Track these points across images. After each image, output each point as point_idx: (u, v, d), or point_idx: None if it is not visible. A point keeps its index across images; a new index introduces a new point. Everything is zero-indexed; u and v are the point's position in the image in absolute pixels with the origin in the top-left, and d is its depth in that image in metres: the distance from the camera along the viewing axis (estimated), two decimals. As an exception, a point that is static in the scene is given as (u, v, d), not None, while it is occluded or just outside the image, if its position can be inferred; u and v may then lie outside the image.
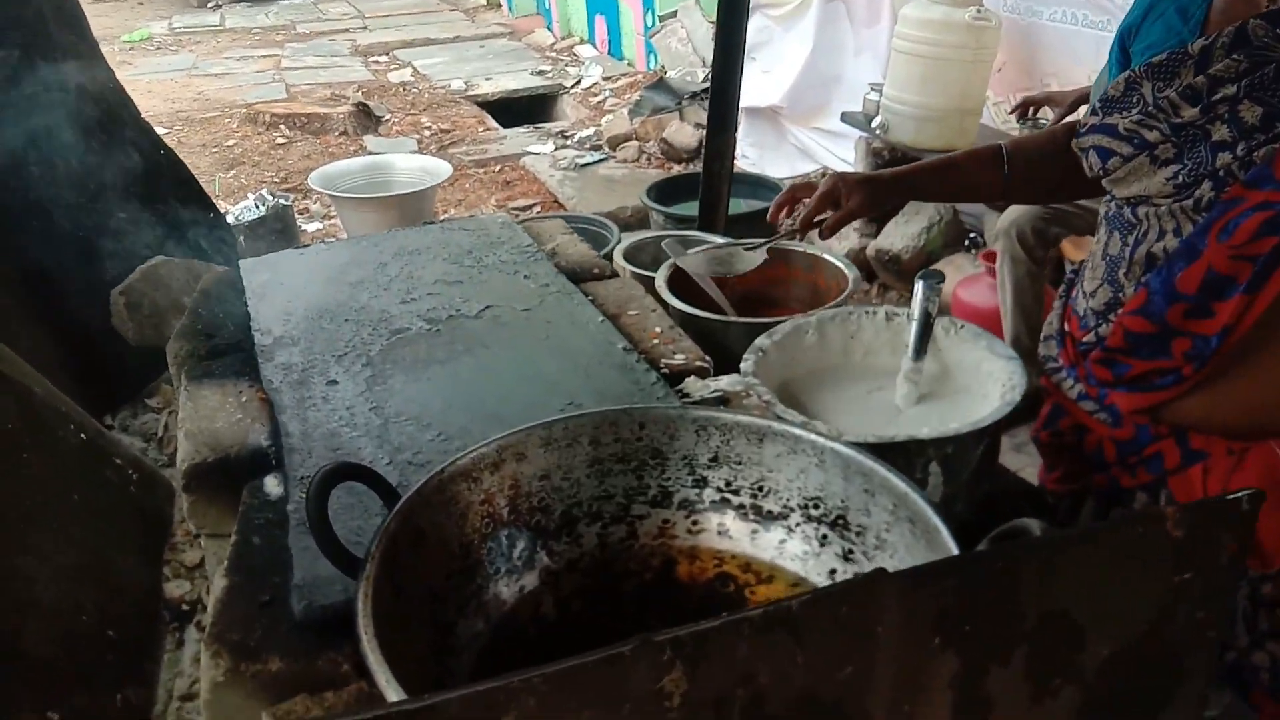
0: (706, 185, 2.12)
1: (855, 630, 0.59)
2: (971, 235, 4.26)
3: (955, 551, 0.79)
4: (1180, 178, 1.10)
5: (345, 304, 1.49)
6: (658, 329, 1.42)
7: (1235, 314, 1.08)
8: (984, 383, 1.36)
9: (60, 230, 1.66)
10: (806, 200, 1.43)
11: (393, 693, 0.67)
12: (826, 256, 1.66)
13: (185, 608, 1.26)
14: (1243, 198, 1.06)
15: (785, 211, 1.47)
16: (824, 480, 0.95)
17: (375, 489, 0.89)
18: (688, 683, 0.55)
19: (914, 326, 1.33)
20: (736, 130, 2.21)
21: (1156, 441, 1.20)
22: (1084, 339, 1.28)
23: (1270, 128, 1.04)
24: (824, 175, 1.45)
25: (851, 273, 1.60)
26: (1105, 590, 0.66)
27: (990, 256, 3.40)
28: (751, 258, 1.58)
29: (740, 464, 1.00)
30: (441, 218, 5.35)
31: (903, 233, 4.18)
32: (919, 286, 1.36)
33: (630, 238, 2.03)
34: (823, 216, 1.42)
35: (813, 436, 0.96)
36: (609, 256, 1.90)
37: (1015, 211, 3.10)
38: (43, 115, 1.67)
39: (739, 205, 4.17)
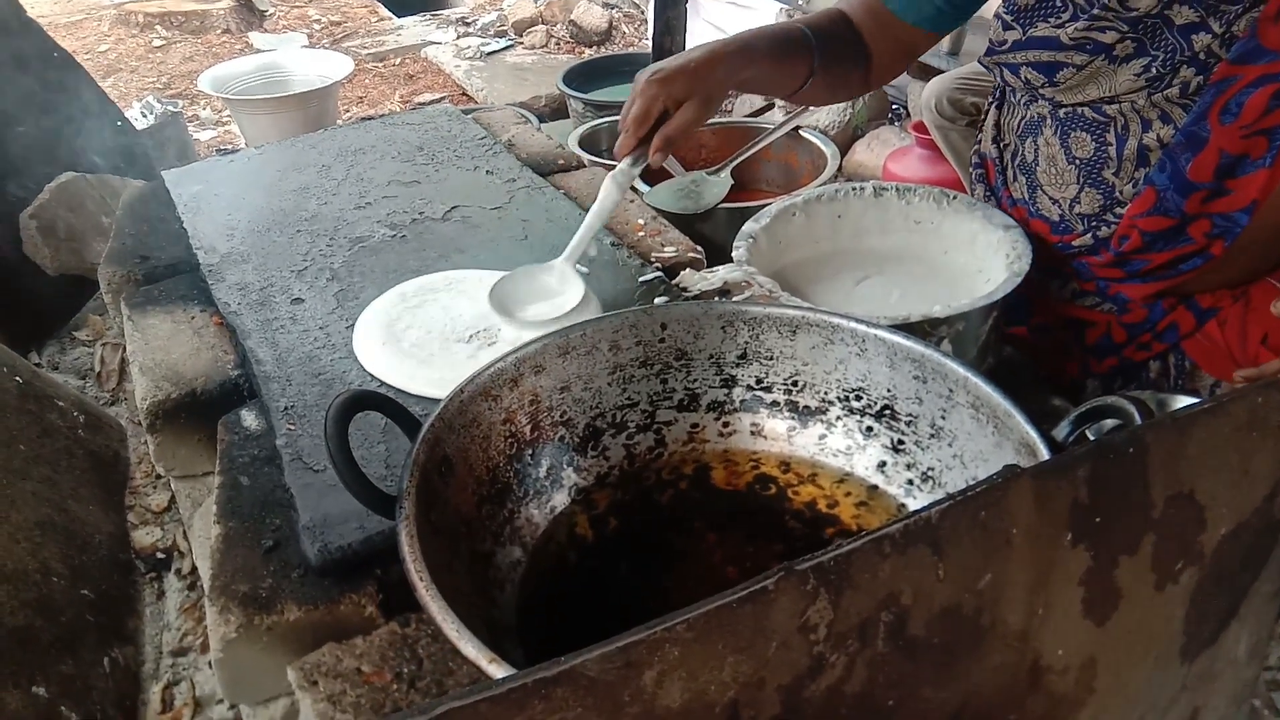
0: (659, 32, 1.99)
1: (993, 535, 0.54)
2: (895, 107, 4.20)
3: (1034, 434, 0.75)
4: (1153, 69, 1.03)
5: (293, 213, 1.36)
6: (640, 221, 1.33)
7: (1262, 188, 1.03)
8: (982, 255, 1.31)
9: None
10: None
11: (469, 646, 0.60)
12: (804, 134, 1.58)
13: (160, 555, 1.16)
14: (1237, 75, 1.00)
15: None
16: (866, 370, 0.90)
17: (392, 417, 0.80)
18: (833, 611, 0.49)
19: None
20: (687, 1, 2.08)
21: (1169, 313, 1.18)
22: (1075, 242, 1.22)
23: None
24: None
25: (830, 149, 1.52)
26: (1227, 466, 0.62)
27: (919, 127, 3.36)
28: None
29: (771, 359, 0.94)
30: (344, 117, 5.06)
31: (828, 108, 4.10)
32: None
33: (582, 126, 1.91)
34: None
35: (853, 324, 0.89)
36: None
37: (931, 87, 3.06)
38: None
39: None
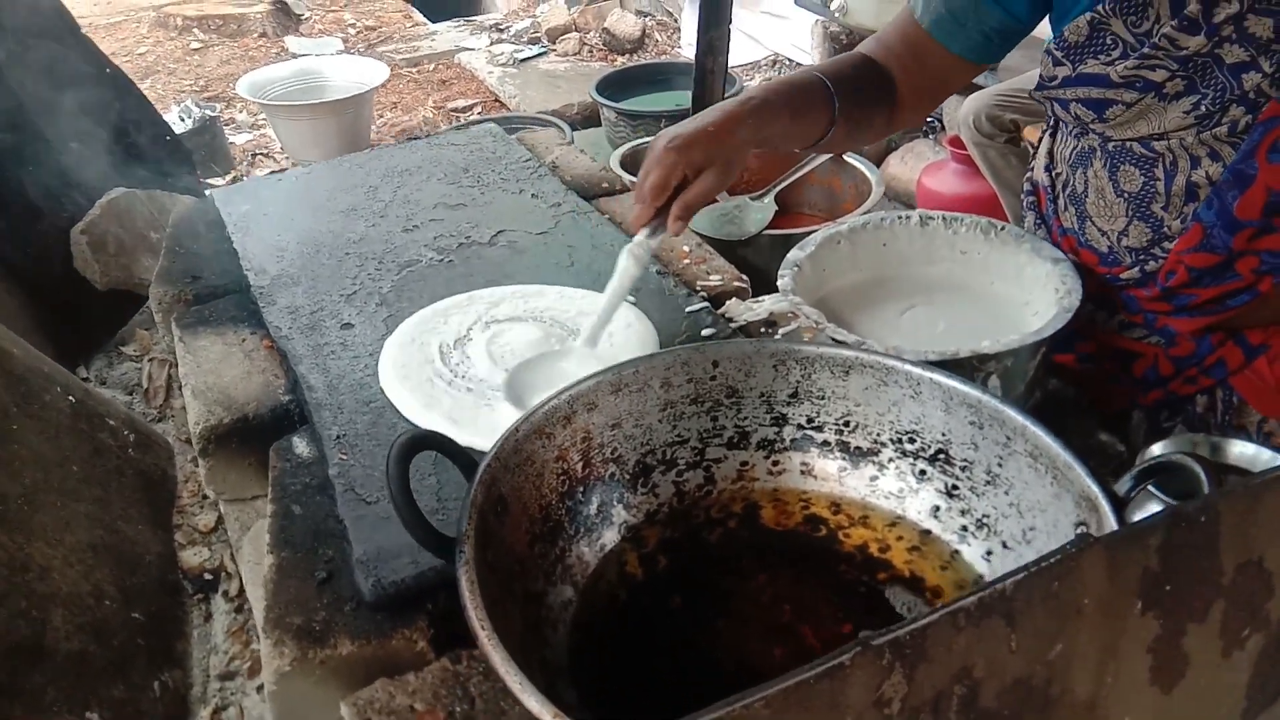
0: (699, 81, 2.00)
1: (1065, 605, 0.54)
2: (930, 120, 4.18)
3: (1096, 488, 0.74)
4: (1203, 108, 1.03)
5: (341, 235, 1.37)
6: (685, 248, 1.33)
7: None
8: (1029, 288, 1.30)
9: (7, 166, 1.49)
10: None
11: (533, 701, 0.60)
12: (848, 158, 1.57)
13: (207, 576, 1.17)
14: None
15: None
16: (920, 413, 0.89)
17: (449, 456, 0.81)
18: (907, 685, 0.49)
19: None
20: (730, 22, 2.08)
21: (1218, 349, 1.17)
22: (1123, 275, 1.21)
23: None
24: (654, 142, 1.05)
25: (874, 175, 1.52)
26: (1297, 534, 0.61)
27: (955, 142, 3.35)
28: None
29: (823, 399, 0.94)
30: (378, 122, 5.09)
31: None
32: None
33: (623, 146, 1.91)
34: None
35: (907, 367, 0.89)
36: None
37: (970, 103, 3.04)
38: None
39: (684, 98, 4.03)
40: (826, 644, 0.80)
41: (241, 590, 1.14)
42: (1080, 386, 1.35)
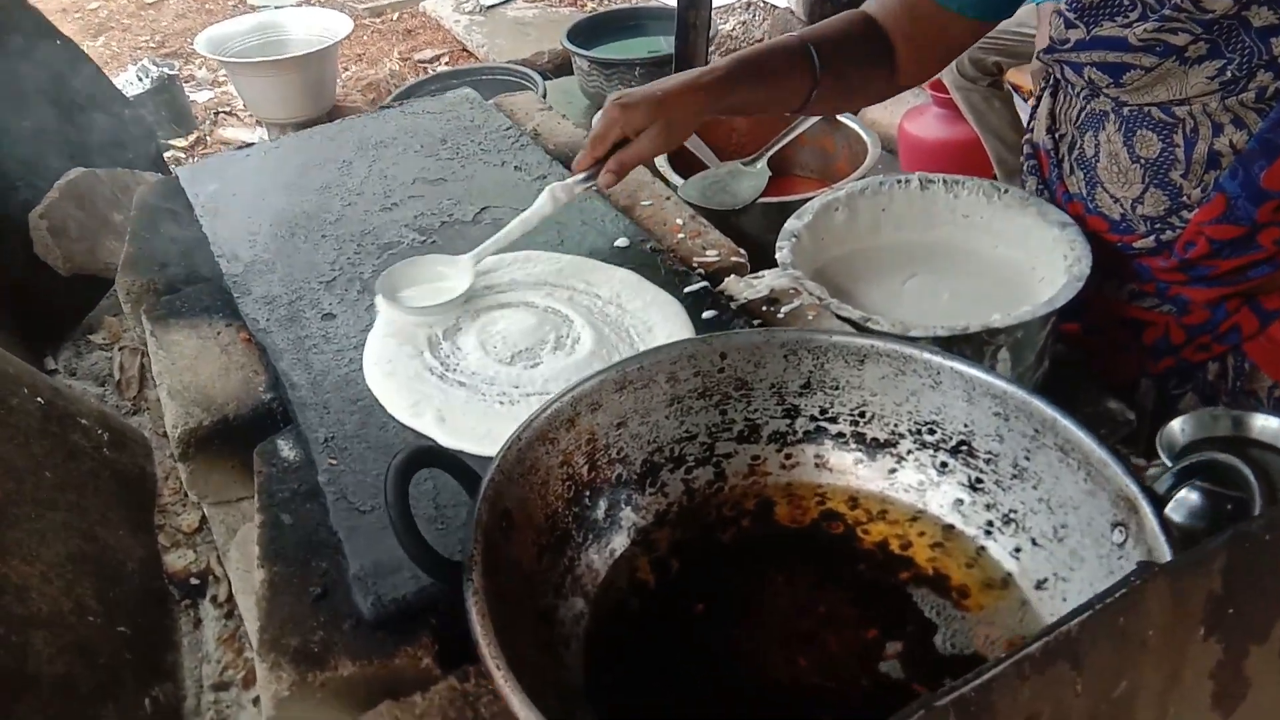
0: (681, 38, 1.92)
1: (1130, 641, 0.50)
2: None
3: (1134, 488, 0.70)
4: (1229, 73, 0.98)
5: (317, 216, 1.30)
6: (678, 221, 1.28)
7: None
8: (1035, 253, 1.26)
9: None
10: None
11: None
12: (841, 118, 1.51)
13: (194, 581, 1.12)
14: None
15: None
16: (941, 403, 0.85)
17: (451, 472, 0.76)
18: (971, 743, 0.46)
19: None
20: (712, -24, 2.00)
21: (1233, 315, 1.13)
22: (1136, 243, 1.17)
23: None
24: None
25: (870, 137, 1.46)
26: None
27: (936, 85, 3.28)
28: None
29: (837, 389, 0.89)
30: (344, 75, 4.94)
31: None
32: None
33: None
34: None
35: (926, 355, 0.85)
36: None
37: None
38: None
39: (658, 44, 3.93)
40: (852, 651, 0.77)
41: (231, 595, 1.09)
42: (1088, 355, 1.32)
